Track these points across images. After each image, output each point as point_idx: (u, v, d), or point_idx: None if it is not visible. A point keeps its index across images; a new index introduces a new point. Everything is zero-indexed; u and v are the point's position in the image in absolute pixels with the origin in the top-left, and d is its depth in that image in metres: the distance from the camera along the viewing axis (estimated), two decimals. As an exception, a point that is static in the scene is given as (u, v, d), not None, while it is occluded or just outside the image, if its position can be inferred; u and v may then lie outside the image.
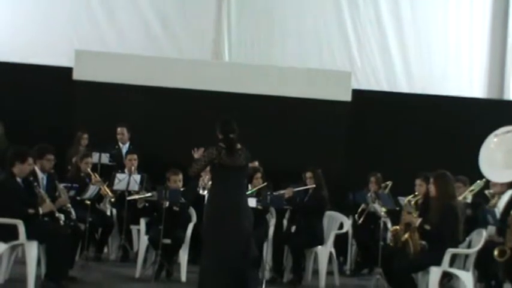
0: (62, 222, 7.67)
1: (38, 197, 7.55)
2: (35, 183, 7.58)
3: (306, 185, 9.09)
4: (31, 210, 7.43)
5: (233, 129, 6.85)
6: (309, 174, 9.08)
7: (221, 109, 10.58)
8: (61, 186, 8.17)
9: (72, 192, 8.39)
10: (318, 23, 12.68)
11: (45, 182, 7.90)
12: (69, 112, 11.17)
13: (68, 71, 11.30)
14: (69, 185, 8.48)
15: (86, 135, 10.62)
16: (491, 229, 8.29)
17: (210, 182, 8.30)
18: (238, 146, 6.85)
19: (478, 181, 9.07)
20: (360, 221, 9.65)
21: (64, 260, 7.61)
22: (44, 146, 7.98)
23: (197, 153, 7.13)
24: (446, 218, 7.31)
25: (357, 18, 12.81)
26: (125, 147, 10.62)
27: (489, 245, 7.67)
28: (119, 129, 10.64)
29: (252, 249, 6.78)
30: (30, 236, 7.36)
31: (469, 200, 8.96)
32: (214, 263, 6.63)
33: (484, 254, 7.58)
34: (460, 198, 8.51)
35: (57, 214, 7.67)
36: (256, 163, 9.69)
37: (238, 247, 6.63)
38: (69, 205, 8.07)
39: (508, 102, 12.76)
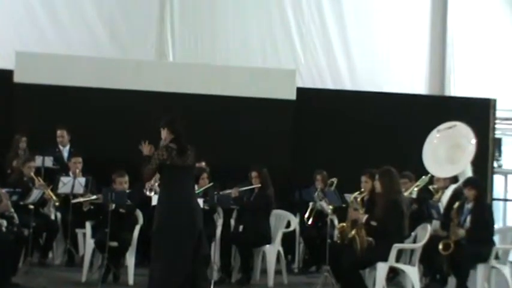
0: (4, 228, 7.55)
1: (-21, 203, 7.41)
2: (-25, 189, 7.43)
3: (252, 184, 9.09)
4: (-28, 217, 7.29)
5: (183, 130, 6.83)
6: (254, 174, 9.07)
7: (166, 109, 10.48)
8: (3, 191, 8.00)
9: (14, 197, 8.23)
10: (262, 22, 12.72)
11: (-15, 187, 7.74)
12: (10, 116, 10.94)
13: (9, 73, 11.05)
14: (12, 189, 8.31)
15: (24, 138, 10.38)
16: (436, 223, 8.44)
17: (156, 184, 8.25)
18: (188, 146, 6.84)
19: (424, 176, 9.23)
20: (310, 222, 9.64)
21: (6, 266, 7.46)
22: (-16, 151, 7.83)
23: (146, 148, 6.89)
24: (391, 213, 7.38)
25: (300, 17, 12.88)
26: (65, 150, 10.48)
27: (434, 239, 7.79)
28: (58, 132, 10.49)
29: (204, 246, 6.77)
30: (-30, 243, 7.21)
31: (414, 195, 9.08)
32: (165, 264, 6.58)
33: (429, 248, 7.70)
34: (406, 193, 8.63)
35: (-2, 220, 7.54)
36: (203, 163, 9.65)
37: (191, 247, 6.60)
38: (12, 210, 7.91)
39: (449, 98, 12.98)
